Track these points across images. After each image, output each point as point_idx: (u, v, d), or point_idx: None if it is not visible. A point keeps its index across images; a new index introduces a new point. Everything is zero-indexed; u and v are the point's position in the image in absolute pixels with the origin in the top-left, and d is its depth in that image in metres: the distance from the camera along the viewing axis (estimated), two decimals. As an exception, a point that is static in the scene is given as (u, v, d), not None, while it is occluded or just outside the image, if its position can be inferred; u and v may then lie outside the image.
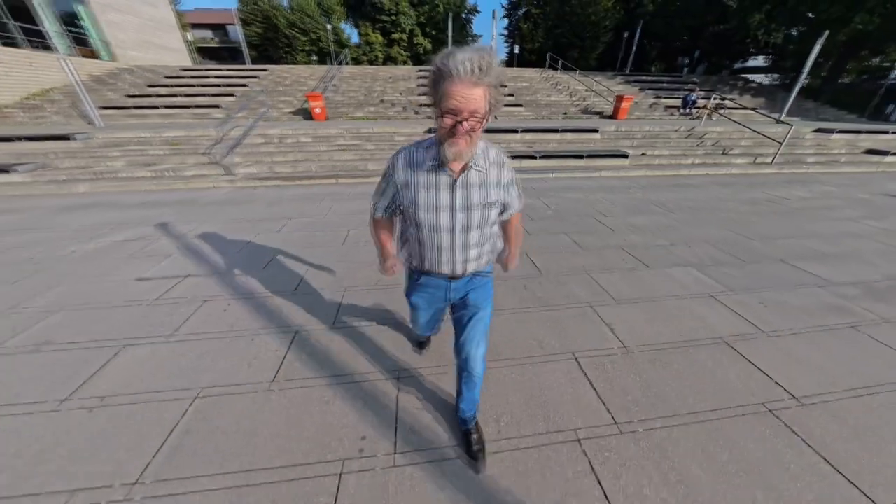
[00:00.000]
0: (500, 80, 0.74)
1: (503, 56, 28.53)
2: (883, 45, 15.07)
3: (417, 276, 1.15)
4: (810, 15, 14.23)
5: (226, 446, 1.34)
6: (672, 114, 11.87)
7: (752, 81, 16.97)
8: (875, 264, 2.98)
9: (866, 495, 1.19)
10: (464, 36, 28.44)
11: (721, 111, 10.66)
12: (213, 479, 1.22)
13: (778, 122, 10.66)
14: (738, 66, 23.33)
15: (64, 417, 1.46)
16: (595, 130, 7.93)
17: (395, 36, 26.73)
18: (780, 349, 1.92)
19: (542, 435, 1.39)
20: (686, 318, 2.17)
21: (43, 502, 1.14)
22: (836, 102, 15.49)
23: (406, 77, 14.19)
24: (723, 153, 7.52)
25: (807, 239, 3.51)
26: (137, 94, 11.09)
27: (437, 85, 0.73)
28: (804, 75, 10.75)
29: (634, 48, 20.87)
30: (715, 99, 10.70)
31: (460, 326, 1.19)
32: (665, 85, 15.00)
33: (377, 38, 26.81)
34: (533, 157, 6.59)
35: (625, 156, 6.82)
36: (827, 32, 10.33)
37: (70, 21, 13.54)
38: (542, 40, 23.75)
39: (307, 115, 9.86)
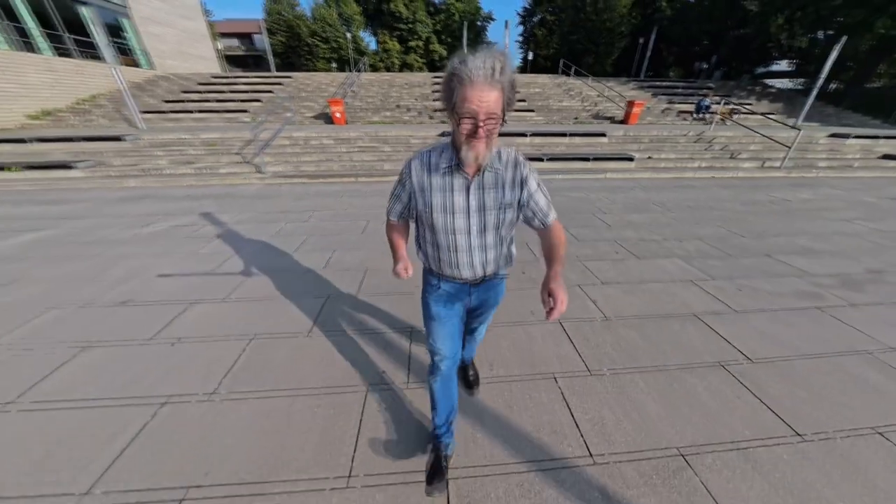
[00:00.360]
0: (513, 81, 0.76)
1: (518, 62, 28.89)
2: (910, 49, 14.64)
3: (437, 282, 1.11)
4: (839, 18, 14.02)
5: (278, 371, 1.73)
6: (685, 119, 11.92)
7: (771, 86, 16.74)
8: (859, 260, 3.15)
9: (789, 425, 1.46)
10: (479, 43, 28.99)
11: (735, 116, 10.67)
12: (270, 391, 1.61)
13: (793, 127, 10.60)
14: (760, 70, 22.95)
15: (153, 349, 1.89)
16: (602, 135, 8.16)
17: (412, 43, 27.55)
18: (745, 323, 2.18)
19: (527, 375, 1.72)
20: (664, 298, 2.45)
21: (158, 388, 1.55)
22: (861, 107, 15.09)
23: (421, 83, 14.74)
24: (731, 157, 7.62)
25: (797, 237, 3.69)
26: (173, 99, 11.99)
27: (453, 89, 0.74)
28: (821, 80, 10.65)
29: (649, 54, 20.85)
30: (728, 104, 10.73)
31: (469, 325, 1.32)
32: (679, 90, 15.01)
33: (394, 45, 27.69)
34: (540, 160, 6.89)
35: (630, 159, 7.04)
36: (845, 38, 10.24)
37: (115, 33, 14.74)
38: (556, 46, 24.02)
39: (328, 119, 10.47)
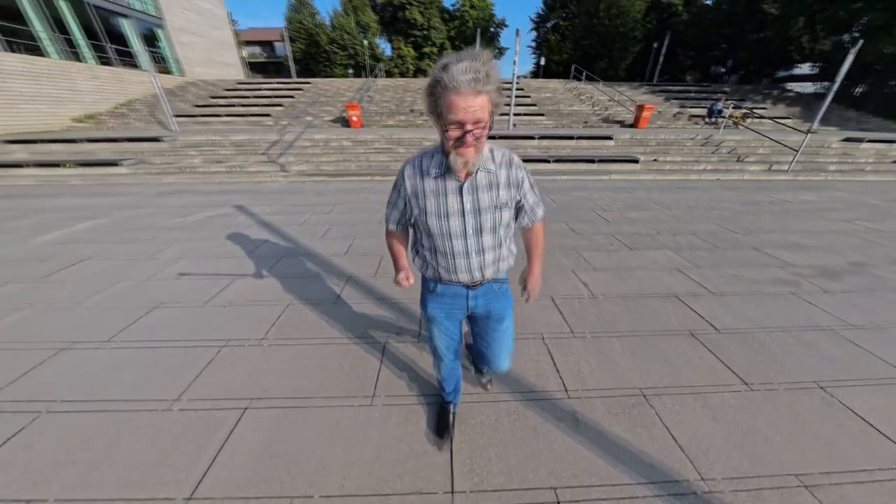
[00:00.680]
0: (499, 85, 0.75)
1: (530, 67, 29.14)
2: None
3: (434, 286, 1.10)
4: (863, 21, 13.81)
5: (313, 327, 2.10)
6: (696, 123, 11.96)
7: (790, 90, 16.52)
8: (845, 255, 3.32)
9: (741, 378, 1.73)
10: (492, 49, 29.38)
11: (748, 120, 10.65)
12: (309, 339, 1.97)
13: (808, 132, 10.52)
14: (781, 74, 22.54)
15: (209, 310, 2.29)
16: (609, 138, 8.37)
17: (427, 50, 28.21)
18: (720, 303, 2.43)
19: (518, 335, 2.02)
20: (649, 281, 2.71)
21: (217, 335, 1.94)
22: (882, 111, 14.74)
23: (435, 88, 15.18)
24: (737, 160, 7.71)
25: (790, 234, 3.87)
26: (202, 104, 12.80)
27: (438, 97, 0.74)
28: (836, 84, 10.55)
29: (662, 58, 20.83)
30: (742, 108, 10.74)
31: (484, 340, 1.23)
32: (692, 94, 15.01)
33: (409, 51, 28.42)
34: (546, 161, 7.17)
35: (635, 161, 7.23)
36: (861, 42, 10.14)
37: (150, 42, 15.80)
38: (569, 52, 24.18)
39: (345, 122, 11.01)
